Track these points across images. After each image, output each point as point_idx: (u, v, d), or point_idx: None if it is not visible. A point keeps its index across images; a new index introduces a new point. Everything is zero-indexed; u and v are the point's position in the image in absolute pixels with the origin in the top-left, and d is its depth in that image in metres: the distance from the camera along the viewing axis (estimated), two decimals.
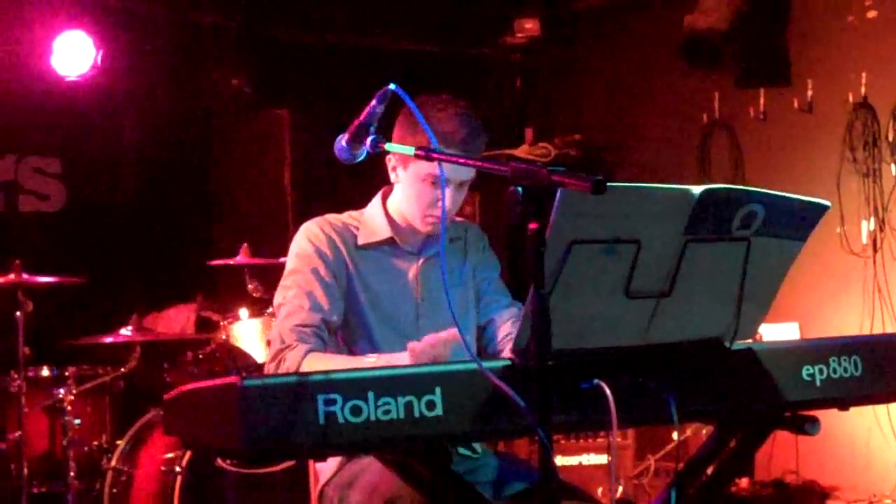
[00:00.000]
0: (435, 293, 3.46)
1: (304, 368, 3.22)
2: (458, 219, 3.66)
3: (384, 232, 3.49)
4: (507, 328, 3.55)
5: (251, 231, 6.97)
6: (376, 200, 3.56)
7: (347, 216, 3.54)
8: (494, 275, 3.66)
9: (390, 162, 3.46)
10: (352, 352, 3.41)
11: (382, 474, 3.02)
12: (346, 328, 3.43)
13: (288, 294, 3.39)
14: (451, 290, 3.37)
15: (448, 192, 3.33)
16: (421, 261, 3.51)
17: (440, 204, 3.27)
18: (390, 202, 3.53)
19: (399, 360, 3.07)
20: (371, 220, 3.52)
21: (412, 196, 3.42)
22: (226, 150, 8.04)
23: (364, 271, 3.45)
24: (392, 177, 3.49)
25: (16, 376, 5.74)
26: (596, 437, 6.18)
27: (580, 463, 6.17)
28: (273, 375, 2.90)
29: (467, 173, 3.38)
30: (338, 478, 3.35)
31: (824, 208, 2.78)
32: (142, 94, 7.70)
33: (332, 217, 3.52)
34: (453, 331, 2.97)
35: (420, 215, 3.43)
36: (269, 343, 3.40)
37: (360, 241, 3.48)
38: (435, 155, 2.90)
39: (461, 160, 3.09)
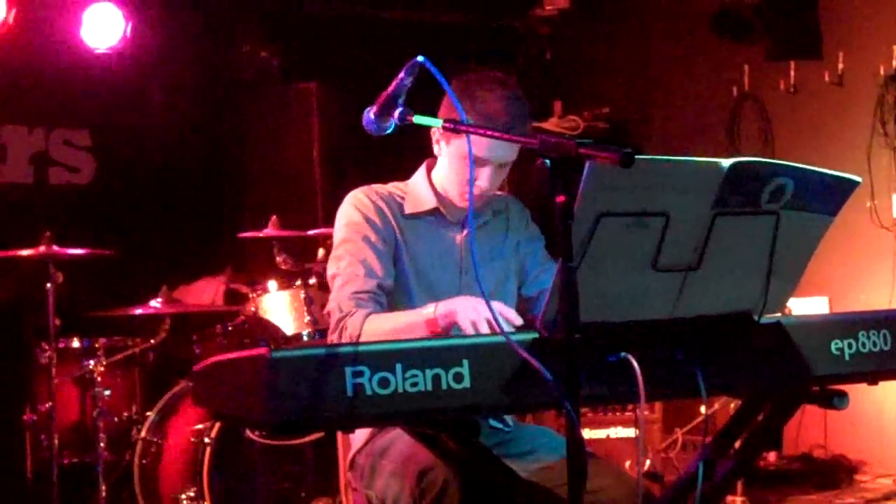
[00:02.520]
0: (477, 267, 3.47)
1: (367, 331, 3.25)
2: (500, 192, 3.65)
3: (429, 202, 3.51)
4: None
5: (280, 203, 6.97)
6: (421, 171, 3.57)
7: (392, 186, 3.56)
8: (539, 246, 3.66)
9: (434, 135, 3.46)
10: None
11: (416, 443, 3.03)
12: (388, 295, 3.44)
13: (341, 264, 3.40)
14: (491, 262, 3.50)
15: (487, 171, 3.35)
16: (465, 231, 3.52)
17: (476, 183, 3.30)
18: (434, 174, 3.54)
19: (454, 304, 3.10)
20: (416, 191, 3.54)
21: (452, 171, 3.44)
22: (254, 122, 8.04)
23: (410, 240, 3.47)
24: (435, 149, 3.50)
25: (46, 348, 5.77)
26: (624, 411, 6.18)
27: (608, 436, 6.18)
28: (300, 347, 2.91)
29: (509, 154, 3.38)
30: (369, 446, 3.37)
31: (854, 184, 2.76)
32: (171, 67, 7.70)
33: (377, 186, 3.53)
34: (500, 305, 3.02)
35: (459, 191, 3.45)
36: (328, 314, 3.41)
37: (407, 210, 3.50)
38: (462, 127, 2.91)
39: (489, 133, 3.10)
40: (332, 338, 3.36)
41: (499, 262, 3.56)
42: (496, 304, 2.95)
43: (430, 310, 3.15)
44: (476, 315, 3.03)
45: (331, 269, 3.45)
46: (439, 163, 3.52)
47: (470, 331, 3.00)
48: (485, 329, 2.98)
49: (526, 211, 3.71)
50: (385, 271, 3.40)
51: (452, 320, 3.09)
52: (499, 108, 3.31)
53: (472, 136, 3.06)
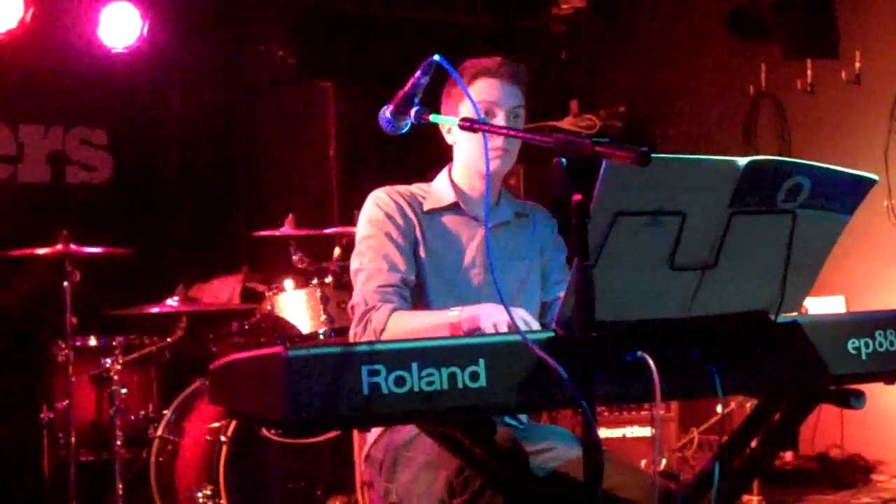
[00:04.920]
0: (498, 262, 3.49)
1: (390, 327, 3.29)
2: (529, 202, 3.76)
3: (449, 197, 3.57)
4: None
5: (296, 202, 6.99)
6: (443, 172, 3.65)
7: (415, 186, 3.63)
8: (561, 257, 3.71)
9: (444, 127, 3.53)
10: None
11: None
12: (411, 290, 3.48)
13: (364, 260, 3.46)
14: (516, 261, 3.56)
15: (501, 118, 3.46)
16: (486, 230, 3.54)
17: (497, 141, 3.41)
18: (454, 171, 3.61)
19: (479, 309, 3.13)
20: (437, 188, 3.61)
21: (471, 142, 3.48)
22: (271, 121, 8.05)
23: (430, 236, 3.52)
24: (448, 139, 3.58)
25: (63, 346, 5.79)
26: (640, 410, 6.18)
27: (624, 435, 6.17)
28: (316, 346, 2.91)
29: (516, 98, 3.50)
30: (386, 438, 3.38)
31: (871, 182, 2.76)
32: (188, 66, 7.72)
33: (399, 187, 3.60)
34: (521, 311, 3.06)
35: (476, 169, 3.52)
36: (351, 309, 3.44)
37: (427, 207, 3.55)
38: (478, 126, 2.94)
39: (503, 131, 3.30)
40: (357, 330, 3.40)
41: (523, 262, 3.60)
42: (519, 311, 2.96)
43: (455, 313, 3.19)
44: (499, 321, 3.06)
45: (353, 264, 3.50)
46: (455, 155, 3.59)
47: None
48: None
49: (553, 220, 3.77)
50: (407, 266, 3.44)
51: (476, 325, 3.12)
52: (489, 61, 3.49)
53: (475, 87, 3.37)
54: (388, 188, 3.57)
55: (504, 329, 3.02)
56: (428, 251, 3.50)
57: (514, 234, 3.62)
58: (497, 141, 3.44)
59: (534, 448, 3.34)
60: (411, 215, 3.51)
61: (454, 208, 3.57)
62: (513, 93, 3.49)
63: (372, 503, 3.49)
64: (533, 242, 3.65)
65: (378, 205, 3.52)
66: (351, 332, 3.47)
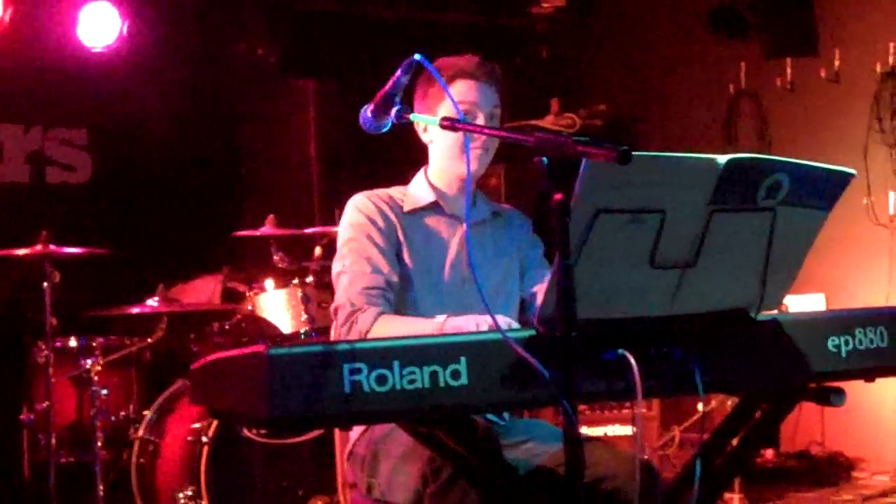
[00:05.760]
0: (480, 260, 3.50)
1: (375, 331, 3.28)
2: (503, 205, 3.77)
3: (428, 197, 3.58)
4: None
5: (277, 202, 6.99)
6: (419, 173, 3.65)
7: (393, 189, 3.63)
8: (538, 252, 3.73)
9: (419, 126, 3.53)
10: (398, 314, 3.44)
11: None
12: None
13: (346, 262, 3.46)
14: (495, 258, 3.58)
15: (480, 120, 3.46)
16: (465, 227, 3.56)
17: (476, 136, 3.42)
18: (430, 171, 3.62)
19: (468, 320, 3.11)
20: (415, 189, 3.61)
21: (450, 141, 3.49)
22: (251, 120, 8.05)
23: (412, 236, 3.53)
24: (424, 138, 3.58)
25: (43, 347, 5.77)
26: (621, 408, 6.19)
27: (605, 434, 6.18)
28: (297, 345, 2.91)
29: (493, 99, 3.50)
30: (368, 435, 3.39)
31: (849, 176, 2.76)
32: (167, 65, 7.71)
33: (378, 190, 3.61)
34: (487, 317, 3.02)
35: (455, 168, 3.53)
36: (335, 312, 3.43)
37: (407, 208, 3.56)
38: (460, 126, 2.95)
39: (486, 130, 3.30)
40: (341, 331, 3.38)
41: (502, 259, 3.61)
42: (504, 319, 2.97)
43: (440, 320, 3.17)
44: (485, 329, 3.03)
45: (336, 267, 3.50)
46: (431, 157, 3.60)
47: None
48: None
49: (527, 220, 3.80)
50: (390, 268, 3.45)
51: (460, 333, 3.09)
52: (464, 60, 3.50)
53: (454, 88, 3.37)
54: (367, 192, 3.58)
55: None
56: (412, 251, 3.50)
57: (492, 232, 3.64)
58: (476, 142, 3.45)
59: (515, 442, 3.35)
60: (392, 217, 3.52)
61: (434, 208, 3.58)
62: (490, 93, 3.50)
63: (354, 503, 3.49)
64: (510, 241, 3.66)
65: (359, 208, 3.52)
66: (334, 334, 3.47)
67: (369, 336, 3.28)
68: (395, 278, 3.44)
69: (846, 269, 6.99)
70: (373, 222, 3.49)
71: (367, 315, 3.33)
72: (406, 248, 3.50)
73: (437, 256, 3.53)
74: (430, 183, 3.60)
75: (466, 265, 3.52)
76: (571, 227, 2.39)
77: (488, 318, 2.98)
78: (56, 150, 7.47)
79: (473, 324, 3.07)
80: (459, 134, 3.39)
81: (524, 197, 7.10)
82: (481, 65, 3.50)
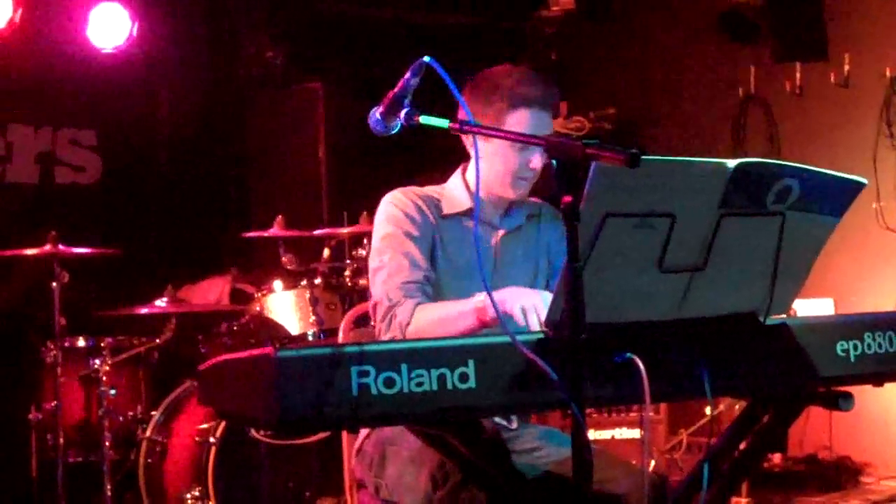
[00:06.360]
0: (510, 267, 3.49)
1: (416, 319, 3.26)
2: (534, 199, 3.69)
3: (465, 202, 3.53)
4: None
5: (286, 203, 6.98)
6: (456, 174, 3.61)
7: (429, 188, 3.59)
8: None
9: (468, 138, 3.43)
10: None
11: None
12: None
13: (384, 257, 3.42)
14: (524, 262, 3.56)
15: (536, 151, 3.42)
16: (501, 233, 3.55)
17: (531, 166, 3.41)
18: (470, 176, 3.56)
19: (507, 292, 3.10)
20: (452, 192, 3.57)
21: (499, 163, 3.45)
22: (260, 122, 8.05)
23: (447, 240, 3.49)
24: (471, 151, 3.48)
25: (52, 347, 5.78)
26: (629, 412, 6.18)
27: (613, 437, 6.18)
28: (305, 347, 2.91)
29: (549, 127, 3.44)
30: (377, 433, 3.38)
31: (860, 185, 2.76)
32: (177, 67, 7.71)
33: (414, 188, 3.57)
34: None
35: (511, 180, 3.46)
36: (373, 308, 3.41)
37: (445, 211, 3.52)
38: (468, 128, 2.93)
39: (495, 133, 3.26)
40: (381, 327, 3.36)
41: (531, 263, 3.59)
42: (544, 294, 2.95)
43: (480, 297, 3.14)
44: (528, 303, 3.02)
45: (373, 262, 3.45)
46: (472, 163, 3.51)
47: (520, 317, 2.99)
48: (533, 319, 2.96)
49: (559, 213, 3.73)
50: (427, 263, 3.42)
51: (503, 308, 3.02)
52: (528, 86, 3.42)
53: (513, 117, 3.33)
54: (403, 188, 3.54)
55: (532, 317, 2.97)
56: (445, 254, 3.48)
57: (526, 237, 3.61)
58: (529, 173, 3.43)
59: (524, 448, 3.35)
60: (429, 215, 3.49)
61: (470, 213, 3.52)
62: (548, 120, 3.45)
63: None
64: (540, 242, 3.62)
65: (395, 204, 3.49)
66: (376, 331, 3.43)
67: (411, 325, 3.26)
68: (433, 274, 3.42)
69: (855, 274, 6.98)
70: (410, 218, 3.45)
71: (406, 307, 3.30)
72: (441, 250, 3.48)
73: (468, 261, 3.47)
74: (467, 186, 3.55)
75: (496, 270, 3.50)
76: (580, 231, 2.39)
77: (530, 293, 2.99)
78: (65, 151, 7.47)
79: (517, 302, 3.02)
80: (514, 162, 3.40)
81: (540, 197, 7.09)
82: (549, 95, 3.44)
